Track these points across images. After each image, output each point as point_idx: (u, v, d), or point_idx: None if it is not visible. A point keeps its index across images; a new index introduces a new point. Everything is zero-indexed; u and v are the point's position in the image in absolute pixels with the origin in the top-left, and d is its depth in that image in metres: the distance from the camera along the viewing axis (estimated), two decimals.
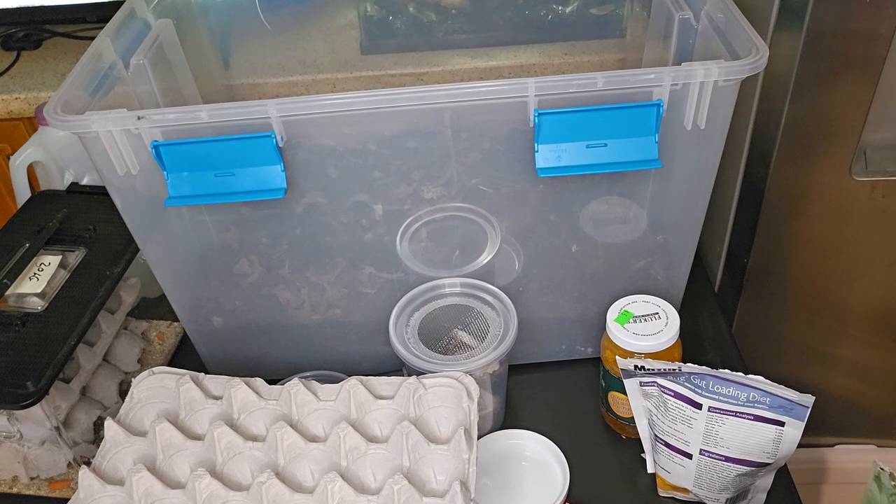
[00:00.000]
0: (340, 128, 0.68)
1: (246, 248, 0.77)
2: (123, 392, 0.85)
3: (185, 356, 0.93)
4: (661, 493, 0.75)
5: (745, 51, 0.65)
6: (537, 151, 0.66)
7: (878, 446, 1.20)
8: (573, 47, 1.15)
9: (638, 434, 0.75)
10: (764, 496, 0.71)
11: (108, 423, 0.68)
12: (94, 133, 0.64)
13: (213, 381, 0.73)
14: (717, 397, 0.65)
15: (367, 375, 0.72)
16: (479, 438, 0.68)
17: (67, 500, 0.65)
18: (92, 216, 0.87)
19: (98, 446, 0.68)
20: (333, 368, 0.83)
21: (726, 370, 0.67)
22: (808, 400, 0.63)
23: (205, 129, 0.65)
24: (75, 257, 0.82)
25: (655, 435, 0.72)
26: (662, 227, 0.78)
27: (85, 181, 0.96)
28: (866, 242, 0.96)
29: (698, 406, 0.66)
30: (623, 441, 0.80)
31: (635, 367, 0.70)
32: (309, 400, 0.70)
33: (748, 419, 0.65)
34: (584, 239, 0.78)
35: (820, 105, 0.85)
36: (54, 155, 0.97)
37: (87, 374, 0.81)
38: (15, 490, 0.79)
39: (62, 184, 0.97)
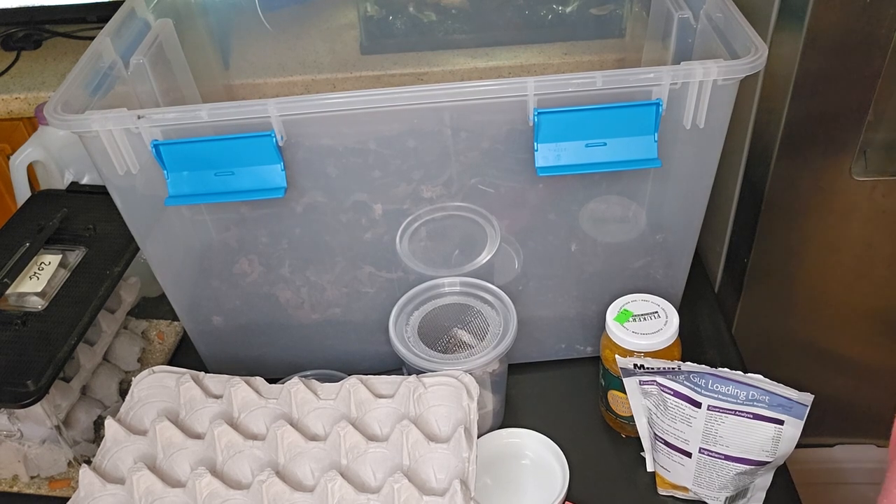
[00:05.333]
0: (340, 127, 0.68)
1: (246, 247, 0.77)
2: (123, 391, 0.85)
3: (185, 355, 0.93)
4: (661, 491, 0.75)
5: (744, 50, 0.65)
6: (537, 150, 0.66)
7: (878, 446, 1.20)
8: (573, 47, 1.15)
9: (637, 433, 0.75)
10: (763, 495, 0.71)
11: (109, 422, 0.68)
12: (94, 132, 0.64)
13: (213, 380, 0.73)
14: (716, 396, 0.65)
15: (367, 374, 0.72)
16: (478, 437, 0.68)
17: (68, 499, 0.65)
18: (92, 215, 0.87)
19: (98, 445, 0.68)
20: (333, 367, 0.83)
21: (726, 369, 0.67)
22: (808, 398, 0.63)
23: (205, 128, 0.65)
24: (75, 256, 0.82)
25: (655, 433, 0.72)
26: (662, 226, 0.79)
27: (85, 180, 0.97)
28: (866, 242, 0.96)
29: (698, 405, 0.66)
30: (623, 440, 0.80)
31: (635, 365, 0.70)
32: (309, 399, 0.70)
33: (747, 418, 0.65)
34: (584, 238, 0.78)
35: (820, 105, 0.85)
36: (54, 154, 0.97)
37: (87, 374, 0.81)
38: (15, 489, 0.79)
39: (62, 183, 0.97)
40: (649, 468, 0.76)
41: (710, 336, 0.92)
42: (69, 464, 0.78)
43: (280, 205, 0.72)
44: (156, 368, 0.73)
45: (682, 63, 0.64)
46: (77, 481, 0.65)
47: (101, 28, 0.77)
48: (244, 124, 0.65)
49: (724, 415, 0.65)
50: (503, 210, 0.75)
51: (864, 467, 1.21)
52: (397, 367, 0.76)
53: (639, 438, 0.75)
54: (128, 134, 0.65)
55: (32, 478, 0.79)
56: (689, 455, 0.69)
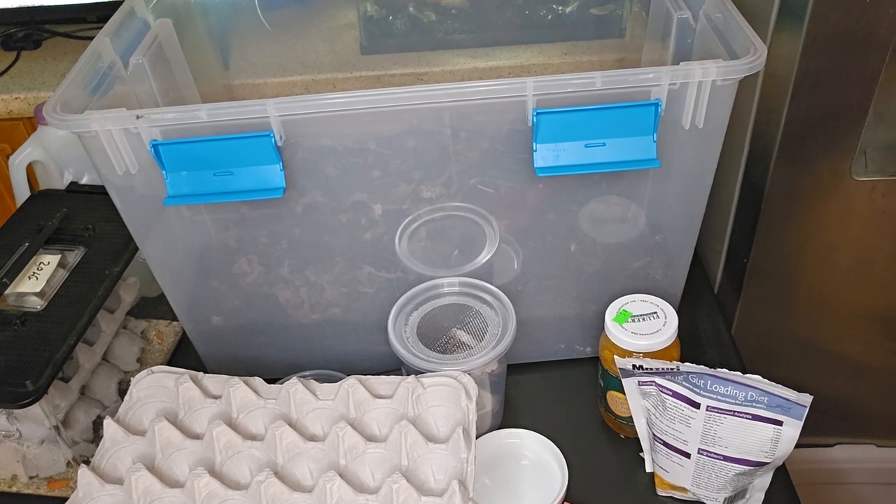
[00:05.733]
0: (340, 127, 0.68)
1: (245, 247, 0.77)
2: (122, 391, 0.85)
3: (184, 355, 0.93)
4: (660, 492, 0.75)
5: (743, 50, 0.65)
6: (536, 151, 0.66)
7: (878, 446, 1.20)
8: (573, 47, 1.15)
9: (636, 433, 0.75)
10: (762, 495, 0.71)
11: (108, 422, 0.68)
12: (93, 132, 0.64)
13: (212, 381, 0.73)
14: (715, 397, 0.65)
15: (365, 375, 0.72)
16: (477, 438, 0.68)
17: (66, 499, 0.65)
18: (91, 215, 0.87)
19: (97, 445, 0.68)
20: (332, 368, 0.83)
21: (724, 369, 0.67)
22: (806, 399, 0.63)
23: (204, 128, 0.65)
24: (74, 256, 0.82)
25: (654, 434, 0.72)
26: (661, 226, 0.78)
27: (84, 180, 0.97)
28: (866, 242, 0.96)
29: (696, 405, 0.66)
30: (621, 440, 0.80)
31: (634, 366, 0.70)
32: (308, 399, 0.70)
33: (746, 418, 0.65)
34: (583, 238, 0.78)
35: (820, 105, 0.85)
36: (53, 154, 0.97)
37: (86, 374, 0.81)
38: (14, 489, 0.79)
39: (61, 183, 0.97)
40: (648, 469, 0.76)
41: (709, 336, 0.92)
42: (68, 464, 0.78)
43: (279, 205, 0.72)
44: (155, 368, 0.73)
45: (681, 63, 0.64)
46: (76, 481, 0.65)
47: (101, 28, 0.77)
48: (243, 124, 0.65)
49: (722, 415, 0.65)
50: (502, 210, 0.75)
51: (864, 467, 1.21)
52: (396, 367, 0.76)
53: (638, 439, 0.75)
54: (127, 134, 0.65)
55: (31, 478, 0.79)
56: (687, 456, 0.69)
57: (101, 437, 0.68)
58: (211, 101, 0.69)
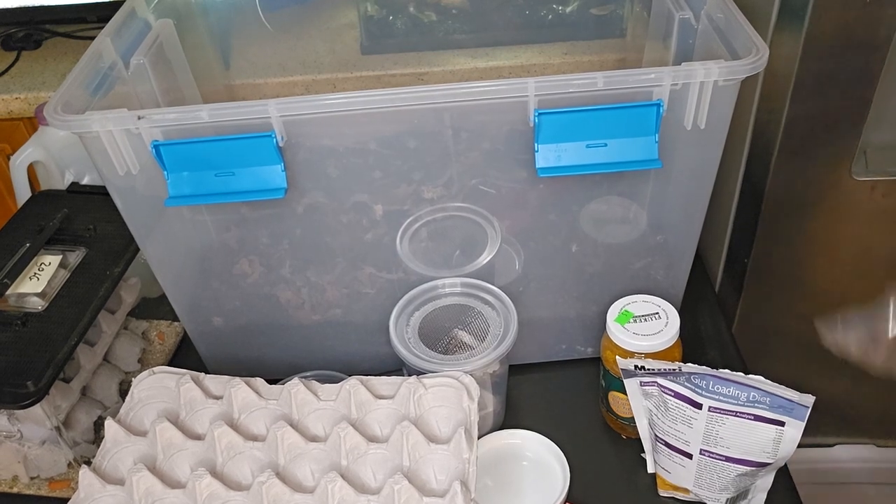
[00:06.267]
0: (341, 128, 0.68)
1: (246, 247, 0.77)
2: (124, 392, 0.85)
3: (185, 356, 0.93)
4: (662, 492, 0.75)
5: (745, 51, 0.65)
6: (537, 151, 0.66)
7: (878, 446, 1.20)
8: (573, 47, 1.15)
9: (638, 434, 0.75)
10: (764, 496, 0.71)
11: (109, 423, 0.68)
12: (94, 133, 0.64)
13: (213, 381, 0.73)
14: (717, 397, 0.65)
15: (367, 375, 0.72)
16: (479, 438, 0.68)
17: (68, 499, 0.65)
18: (92, 216, 0.87)
19: (98, 446, 0.68)
20: (334, 368, 0.83)
21: (726, 370, 0.67)
22: (809, 400, 0.63)
23: (205, 128, 0.65)
24: (76, 257, 0.82)
25: (656, 435, 0.72)
26: (662, 226, 0.78)
27: (85, 181, 0.97)
28: (866, 242, 0.96)
29: (698, 406, 0.66)
30: (623, 441, 0.80)
31: (635, 366, 0.70)
32: (309, 400, 0.70)
33: (748, 419, 0.65)
34: (585, 239, 0.78)
35: (820, 105, 0.85)
36: (54, 155, 0.97)
37: (87, 374, 0.81)
38: (15, 490, 0.79)
39: (62, 183, 0.97)
40: (650, 469, 0.76)
41: (710, 337, 0.92)
42: (69, 464, 0.78)
43: (281, 205, 0.72)
44: (156, 369, 0.73)
45: (682, 64, 0.64)
46: (77, 482, 0.65)
47: (101, 28, 0.77)
48: (244, 125, 0.65)
49: (724, 416, 0.65)
50: (504, 211, 0.75)
51: (864, 467, 1.22)
52: (398, 367, 0.76)
53: (639, 439, 0.75)
54: (128, 134, 0.65)
55: (32, 478, 0.79)
56: (689, 456, 0.69)
57: (103, 437, 0.68)
58: (212, 102, 0.69)
